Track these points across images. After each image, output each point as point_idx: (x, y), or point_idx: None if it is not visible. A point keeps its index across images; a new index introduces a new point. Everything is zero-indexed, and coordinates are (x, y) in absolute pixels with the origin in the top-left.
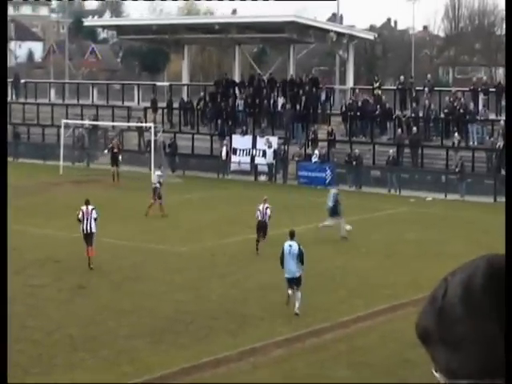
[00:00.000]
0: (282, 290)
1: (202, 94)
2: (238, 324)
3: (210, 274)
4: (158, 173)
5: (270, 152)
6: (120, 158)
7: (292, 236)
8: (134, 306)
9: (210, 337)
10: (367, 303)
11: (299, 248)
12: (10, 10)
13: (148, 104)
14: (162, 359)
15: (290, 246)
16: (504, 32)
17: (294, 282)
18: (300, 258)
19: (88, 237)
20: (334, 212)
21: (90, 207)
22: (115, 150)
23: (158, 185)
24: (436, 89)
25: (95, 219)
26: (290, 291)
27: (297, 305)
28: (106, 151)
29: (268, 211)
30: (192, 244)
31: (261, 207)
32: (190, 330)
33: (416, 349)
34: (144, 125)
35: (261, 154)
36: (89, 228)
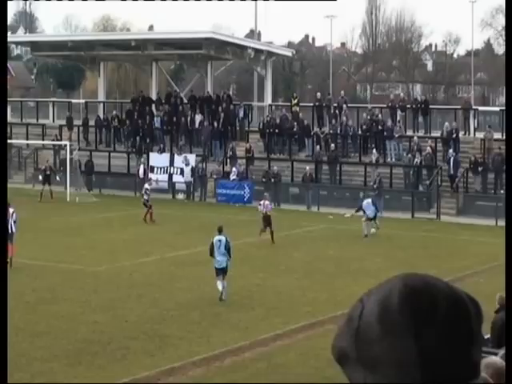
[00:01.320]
0: (200, 309)
1: (116, 112)
2: (156, 344)
3: (128, 294)
4: (146, 186)
5: (187, 170)
6: (57, 177)
7: (220, 231)
8: (49, 328)
9: (127, 357)
10: (286, 321)
11: (227, 241)
12: None
13: (63, 122)
14: (79, 381)
15: (220, 240)
16: (420, 49)
17: (222, 272)
18: (228, 250)
19: (8, 237)
20: (375, 217)
21: (11, 209)
22: (48, 172)
23: (146, 197)
24: (354, 105)
25: (15, 222)
26: (218, 281)
27: (224, 293)
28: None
29: (268, 204)
30: (109, 264)
31: (261, 202)
32: (107, 351)
33: (336, 366)
34: (59, 143)
35: (178, 171)
36: (9, 229)
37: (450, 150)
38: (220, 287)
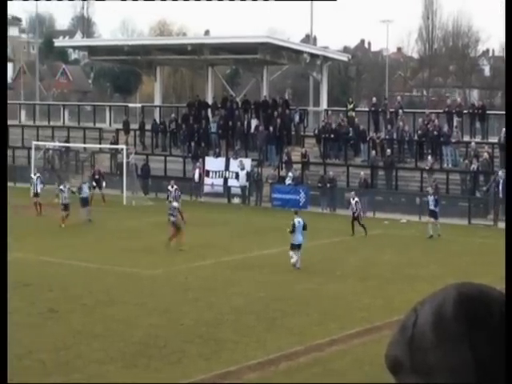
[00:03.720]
0: (255, 314)
1: (174, 115)
2: (211, 348)
3: (183, 298)
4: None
5: (243, 174)
6: (104, 183)
7: (296, 213)
8: (106, 330)
9: (183, 361)
10: (341, 326)
11: (304, 221)
12: None
13: (120, 126)
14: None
15: (299, 221)
16: (477, 54)
17: (298, 247)
18: (305, 227)
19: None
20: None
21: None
22: (97, 176)
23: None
24: (410, 110)
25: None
26: (293, 254)
27: (299, 261)
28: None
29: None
30: (165, 267)
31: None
32: (162, 354)
33: (390, 374)
34: (116, 147)
35: (234, 176)
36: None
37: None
38: (294, 258)
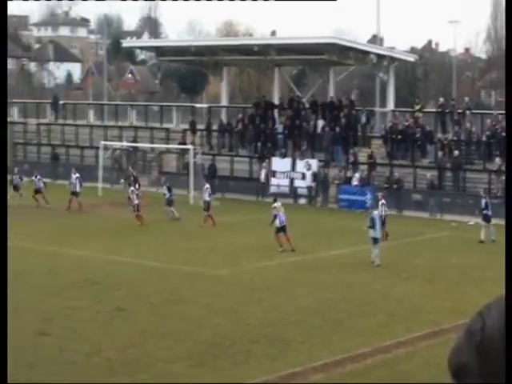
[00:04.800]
0: (321, 315)
1: (240, 116)
2: (277, 348)
3: (249, 298)
4: (207, 186)
5: (309, 175)
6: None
7: (373, 208)
8: (172, 330)
9: (249, 361)
10: (408, 328)
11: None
12: (49, 32)
13: (187, 126)
14: (201, 383)
15: (377, 215)
16: None
17: (377, 241)
18: (383, 223)
19: None
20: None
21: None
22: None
23: (208, 198)
24: (477, 111)
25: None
26: (376, 249)
27: (377, 259)
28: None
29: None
30: (231, 267)
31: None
32: (229, 353)
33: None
34: (183, 147)
35: (300, 176)
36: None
37: None
38: (374, 253)
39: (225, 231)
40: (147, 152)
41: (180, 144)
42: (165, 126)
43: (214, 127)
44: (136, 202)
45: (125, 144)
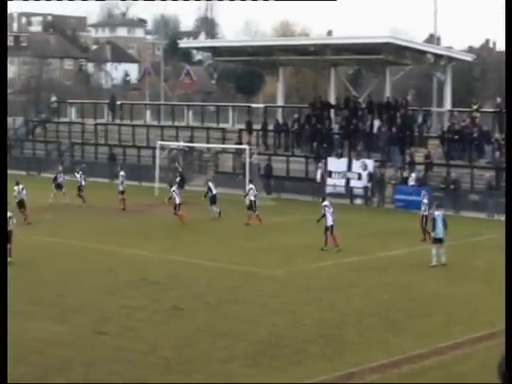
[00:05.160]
0: (377, 315)
1: (296, 116)
2: (333, 348)
3: (306, 298)
4: (251, 186)
5: (365, 175)
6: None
7: (438, 206)
8: (229, 329)
9: (305, 361)
10: (465, 329)
11: (443, 216)
12: (106, 32)
13: (243, 126)
14: (257, 383)
15: (438, 215)
16: None
17: (439, 241)
18: (444, 223)
19: None
20: None
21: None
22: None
23: (253, 197)
24: None
25: None
26: (433, 249)
27: (443, 258)
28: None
29: None
30: (287, 267)
31: None
32: (285, 353)
33: None
34: (239, 147)
35: (356, 176)
36: None
37: None
38: (433, 253)
39: (280, 231)
40: (203, 152)
41: (236, 144)
42: (221, 126)
43: (270, 127)
44: (177, 201)
45: (181, 144)
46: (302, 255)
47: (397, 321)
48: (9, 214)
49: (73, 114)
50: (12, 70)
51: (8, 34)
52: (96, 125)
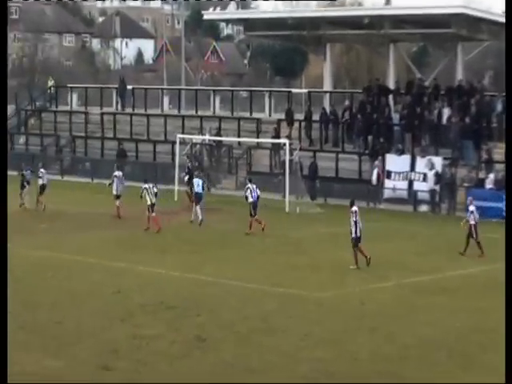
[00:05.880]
0: (446, 347)
1: (347, 103)
2: None
3: (358, 327)
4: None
5: (432, 176)
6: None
7: None
8: (263, 364)
9: None
10: None
11: None
12: (116, 2)
13: (282, 116)
14: None
15: None
16: None
17: None
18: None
19: None
20: None
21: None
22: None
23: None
24: None
25: None
26: None
27: None
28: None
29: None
30: (335, 289)
31: None
32: None
33: None
34: (277, 141)
35: (421, 178)
36: None
37: None
38: None
39: (328, 244)
40: (233, 147)
41: (273, 138)
42: (255, 115)
43: (315, 117)
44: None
45: (206, 138)
46: (354, 274)
47: (471, 355)
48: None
49: (74, 101)
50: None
51: None
52: (102, 114)
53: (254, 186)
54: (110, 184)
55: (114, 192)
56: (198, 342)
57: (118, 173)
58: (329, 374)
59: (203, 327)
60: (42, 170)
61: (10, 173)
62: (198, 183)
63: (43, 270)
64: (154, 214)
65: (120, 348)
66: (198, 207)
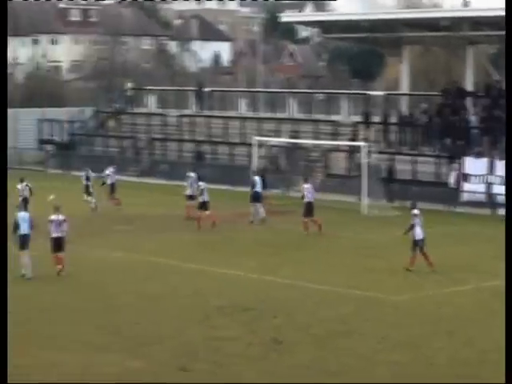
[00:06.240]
0: None
1: (425, 105)
2: None
3: (435, 331)
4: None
5: None
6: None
7: None
8: (340, 368)
9: None
10: None
11: None
12: (193, 5)
13: (359, 118)
14: None
15: None
16: None
17: None
18: None
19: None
20: None
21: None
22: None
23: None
24: None
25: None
26: None
27: None
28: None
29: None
30: (412, 292)
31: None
32: None
33: None
34: (354, 144)
35: (500, 181)
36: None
37: None
38: None
39: (404, 248)
40: (310, 150)
41: (350, 140)
42: (332, 118)
43: (393, 120)
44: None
45: (283, 140)
46: (432, 277)
47: None
48: (60, 217)
49: (152, 103)
50: (80, 51)
51: (75, 6)
52: (180, 116)
53: (310, 186)
54: (185, 186)
55: (188, 193)
56: (274, 344)
57: (192, 174)
58: (406, 376)
59: (280, 329)
60: (109, 170)
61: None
62: (257, 182)
63: (120, 272)
64: (207, 212)
65: (197, 350)
66: (257, 206)
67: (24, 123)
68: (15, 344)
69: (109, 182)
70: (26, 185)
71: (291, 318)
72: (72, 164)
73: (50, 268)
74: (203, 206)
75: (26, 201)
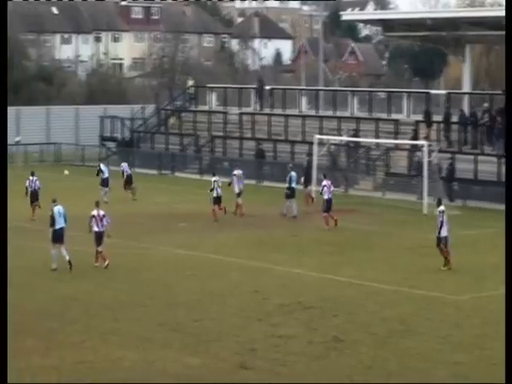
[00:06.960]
0: None
1: (487, 105)
2: None
3: (497, 331)
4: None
5: None
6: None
7: None
8: (401, 367)
9: None
10: None
11: None
12: (254, 3)
13: (420, 117)
14: None
15: None
16: None
17: None
18: None
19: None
20: None
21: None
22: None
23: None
24: None
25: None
26: None
27: None
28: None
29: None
30: (474, 292)
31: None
32: None
33: None
34: (415, 142)
35: None
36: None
37: None
38: None
39: (467, 247)
40: (371, 148)
41: (412, 139)
42: (393, 116)
43: (454, 119)
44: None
45: (344, 138)
46: (494, 277)
47: None
48: (101, 212)
49: (213, 101)
50: (141, 49)
51: (137, 4)
52: (241, 114)
53: (330, 183)
54: (229, 184)
55: (236, 190)
56: (335, 342)
57: (237, 171)
58: (468, 377)
59: (341, 328)
60: (123, 164)
61: (149, 171)
62: (292, 177)
63: (183, 269)
64: (240, 201)
65: (258, 347)
66: (291, 201)
67: (86, 120)
68: (77, 340)
69: (125, 174)
70: (36, 179)
71: (352, 317)
72: (133, 161)
73: (112, 265)
74: (217, 200)
75: (35, 194)
